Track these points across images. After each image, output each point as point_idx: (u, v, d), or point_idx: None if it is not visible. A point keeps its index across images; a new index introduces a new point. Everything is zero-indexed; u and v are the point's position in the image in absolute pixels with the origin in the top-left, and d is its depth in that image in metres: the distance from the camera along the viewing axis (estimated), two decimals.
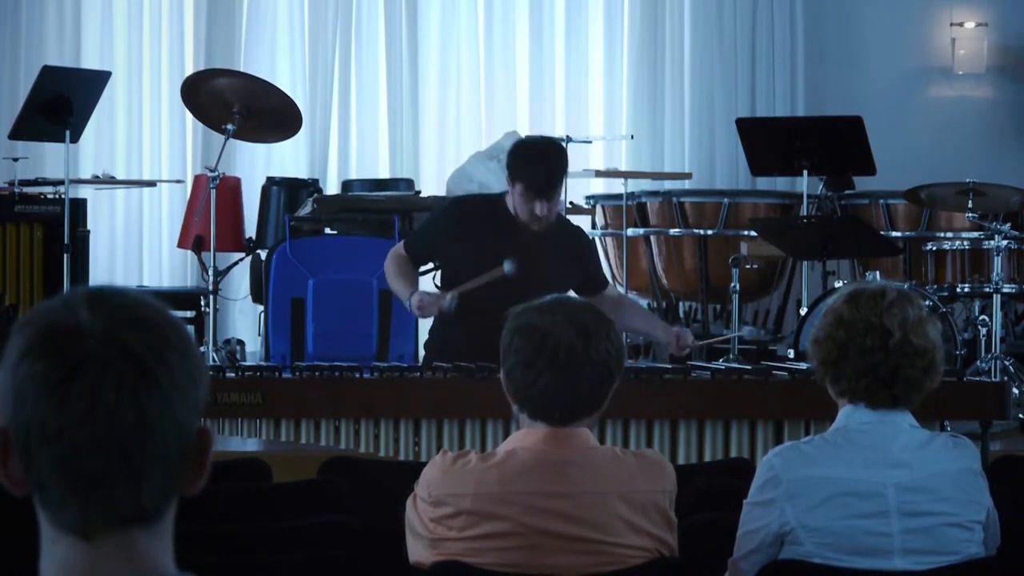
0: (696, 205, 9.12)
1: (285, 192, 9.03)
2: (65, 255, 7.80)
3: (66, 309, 1.57)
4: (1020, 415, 7.15)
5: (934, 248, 8.31)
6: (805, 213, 8.07)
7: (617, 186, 9.27)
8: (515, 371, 3.12)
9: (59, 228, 7.91)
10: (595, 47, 10.46)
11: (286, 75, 9.96)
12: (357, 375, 5.13)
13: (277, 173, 9.58)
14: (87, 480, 1.53)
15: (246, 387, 5.03)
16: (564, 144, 8.64)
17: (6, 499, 1.65)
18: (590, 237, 6.17)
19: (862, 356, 3.21)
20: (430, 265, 6.60)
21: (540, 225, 5.59)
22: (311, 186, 9.18)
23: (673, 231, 9.08)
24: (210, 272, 8.00)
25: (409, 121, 10.24)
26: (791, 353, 7.47)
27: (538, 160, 5.61)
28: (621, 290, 9.27)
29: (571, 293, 5.95)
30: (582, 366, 3.07)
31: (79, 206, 8.24)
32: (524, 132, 9.13)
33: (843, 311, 3.25)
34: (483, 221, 5.68)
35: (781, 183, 9.47)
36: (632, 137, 10.23)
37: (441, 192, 8.93)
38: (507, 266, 5.45)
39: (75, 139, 7.99)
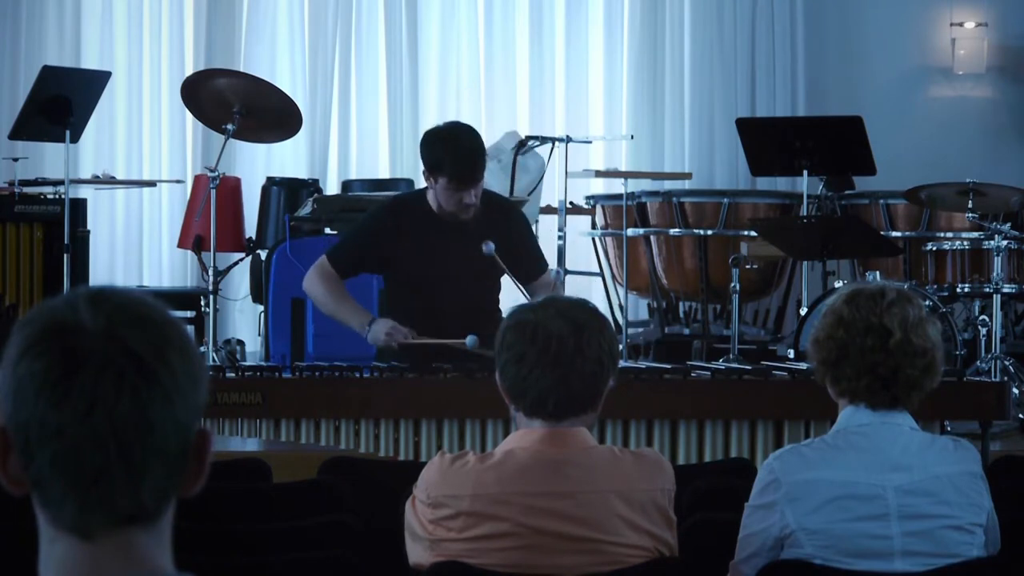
0: (696, 205, 9.13)
1: (285, 192, 9.03)
2: (65, 255, 7.80)
3: (67, 308, 1.57)
4: (1020, 415, 7.15)
5: (934, 248, 8.31)
6: (805, 213, 8.07)
7: (617, 186, 9.27)
8: (508, 367, 3.12)
9: (59, 228, 7.91)
10: (595, 47, 10.46)
11: (286, 75, 9.96)
12: (357, 375, 5.13)
13: (277, 173, 9.58)
14: (86, 479, 1.54)
15: (246, 387, 5.03)
16: (564, 142, 8.72)
17: (6, 499, 1.65)
18: (523, 214, 5.89)
19: (862, 356, 3.21)
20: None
21: (469, 214, 5.34)
22: (311, 186, 9.18)
23: (673, 231, 9.08)
24: (210, 272, 8.00)
25: (409, 121, 10.24)
26: (791, 353, 7.46)
27: (458, 148, 5.33)
28: (621, 291, 9.27)
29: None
30: (574, 360, 3.07)
31: (79, 206, 8.24)
32: (524, 132, 9.13)
33: (843, 311, 3.25)
34: (409, 222, 5.44)
35: (781, 183, 9.47)
36: (632, 137, 10.23)
37: None
38: (469, 341, 5.16)
39: (75, 139, 7.99)
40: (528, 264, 5.51)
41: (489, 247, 5.25)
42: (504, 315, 3.25)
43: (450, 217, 5.38)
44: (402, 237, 5.44)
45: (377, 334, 5.37)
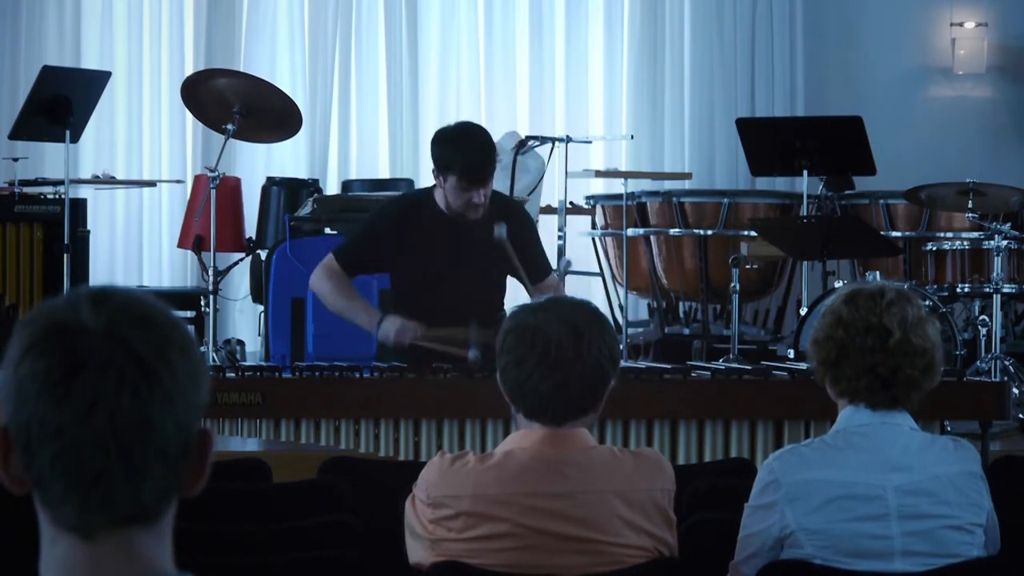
0: (696, 205, 9.13)
1: (285, 192, 9.03)
2: (65, 255, 7.80)
3: (69, 308, 1.57)
4: (1020, 415, 7.15)
5: (934, 248, 8.31)
6: (805, 213, 8.07)
7: (617, 186, 9.27)
8: (508, 370, 3.12)
9: (59, 228, 7.91)
10: (595, 47, 10.46)
11: (286, 75, 9.96)
12: (357, 375, 5.12)
13: (277, 173, 9.58)
14: (87, 478, 1.54)
15: (246, 387, 5.02)
16: (564, 142, 8.72)
17: (6, 499, 1.65)
18: (527, 214, 5.85)
19: (862, 356, 3.21)
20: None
21: (477, 213, 5.33)
22: (311, 186, 9.18)
23: (673, 231, 9.08)
24: (210, 272, 8.00)
25: (409, 121, 10.24)
26: (791, 353, 7.47)
27: (468, 147, 5.33)
28: (621, 291, 9.27)
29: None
30: (573, 364, 3.07)
31: (79, 206, 8.24)
32: (524, 132, 9.13)
33: (842, 311, 3.24)
34: (416, 221, 5.43)
35: (781, 183, 9.47)
36: (632, 137, 10.23)
37: None
38: (472, 354, 5.15)
39: (75, 139, 7.99)
40: (533, 267, 5.50)
41: (501, 230, 5.22)
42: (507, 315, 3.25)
43: (458, 217, 5.37)
44: (409, 236, 5.43)
45: (387, 332, 5.37)
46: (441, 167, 5.34)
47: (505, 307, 5.54)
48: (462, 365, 5.14)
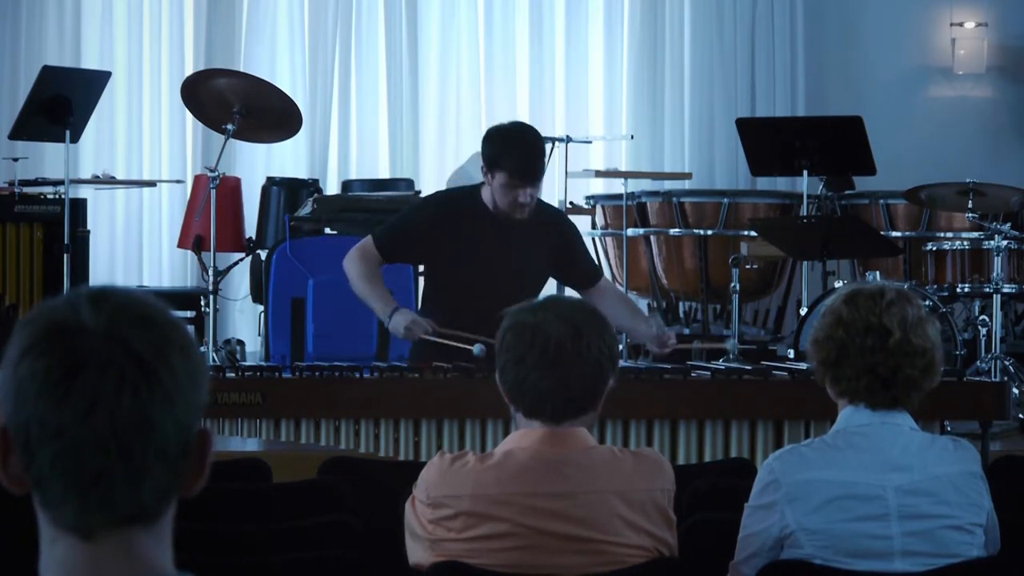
0: (696, 205, 9.13)
1: (285, 192, 9.03)
2: (65, 255, 7.80)
3: (68, 308, 1.57)
4: (1020, 415, 7.15)
5: (934, 248, 8.32)
6: (805, 213, 8.07)
7: (617, 186, 9.27)
8: (507, 369, 3.12)
9: (59, 228, 7.91)
10: (595, 47, 10.46)
11: (286, 75, 9.96)
12: (357, 375, 5.12)
13: (277, 173, 9.58)
14: (87, 478, 1.54)
15: (246, 387, 5.02)
16: (564, 142, 8.72)
17: (6, 499, 1.65)
18: (572, 223, 5.91)
19: (862, 356, 3.21)
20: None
21: (523, 213, 5.35)
22: (311, 186, 9.18)
23: (673, 231, 9.08)
24: (210, 272, 8.00)
25: (409, 121, 10.24)
26: (791, 353, 7.47)
27: (520, 145, 5.37)
28: (621, 290, 9.27)
29: (565, 288, 5.93)
30: (572, 363, 3.07)
31: (79, 206, 8.24)
32: None
33: (842, 311, 3.24)
34: (460, 217, 5.45)
35: (781, 183, 9.47)
36: (632, 137, 10.23)
37: None
38: (476, 349, 5.15)
39: (75, 139, 7.99)
40: (580, 272, 5.63)
41: (480, 350, 5.15)
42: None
43: (503, 216, 5.38)
44: (447, 229, 5.44)
45: (397, 325, 5.37)
46: (490, 164, 5.36)
47: None
48: (465, 363, 5.13)
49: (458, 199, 5.63)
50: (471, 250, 5.43)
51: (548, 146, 8.67)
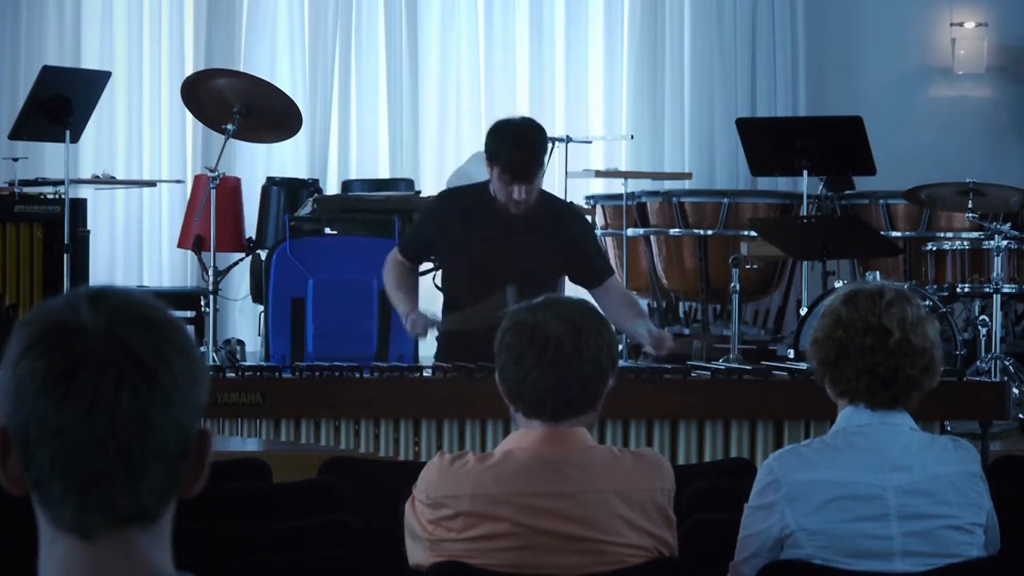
0: (696, 205, 9.13)
1: (285, 192, 9.03)
2: (65, 255, 7.80)
3: (68, 308, 1.57)
4: (1020, 415, 7.15)
5: (934, 248, 8.32)
6: (805, 213, 8.07)
7: (617, 186, 9.27)
8: (507, 368, 3.12)
9: (59, 228, 7.91)
10: (595, 47, 10.46)
11: (286, 75, 9.97)
12: (357, 375, 5.13)
13: (277, 173, 9.58)
14: (86, 478, 1.53)
15: (246, 387, 5.02)
16: (564, 142, 8.72)
17: (6, 499, 1.65)
18: (590, 223, 5.95)
19: (861, 356, 3.21)
20: (429, 265, 6.57)
21: (519, 208, 5.41)
22: (311, 186, 9.18)
23: (673, 231, 9.08)
24: (210, 272, 8.00)
25: (409, 121, 10.25)
26: (791, 353, 7.46)
27: (515, 142, 5.43)
28: (630, 293, 9.26)
29: (575, 286, 5.94)
30: (571, 362, 3.07)
31: (79, 206, 8.24)
32: None
33: (841, 311, 3.24)
34: (463, 211, 5.54)
35: (781, 183, 9.47)
36: (632, 137, 10.23)
37: None
38: (509, 293, 5.19)
39: (75, 139, 7.99)
40: (588, 268, 5.63)
41: (512, 291, 5.20)
42: None
43: (503, 210, 5.45)
44: (457, 222, 5.54)
45: (408, 325, 5.52)
46: (489, 156, 5.45)
47: None
48: (465, 364, 5.12)
49: (467, 192, 5.78)
50: (474, 238, 5.49)
51: (549, 145, 8.69)
